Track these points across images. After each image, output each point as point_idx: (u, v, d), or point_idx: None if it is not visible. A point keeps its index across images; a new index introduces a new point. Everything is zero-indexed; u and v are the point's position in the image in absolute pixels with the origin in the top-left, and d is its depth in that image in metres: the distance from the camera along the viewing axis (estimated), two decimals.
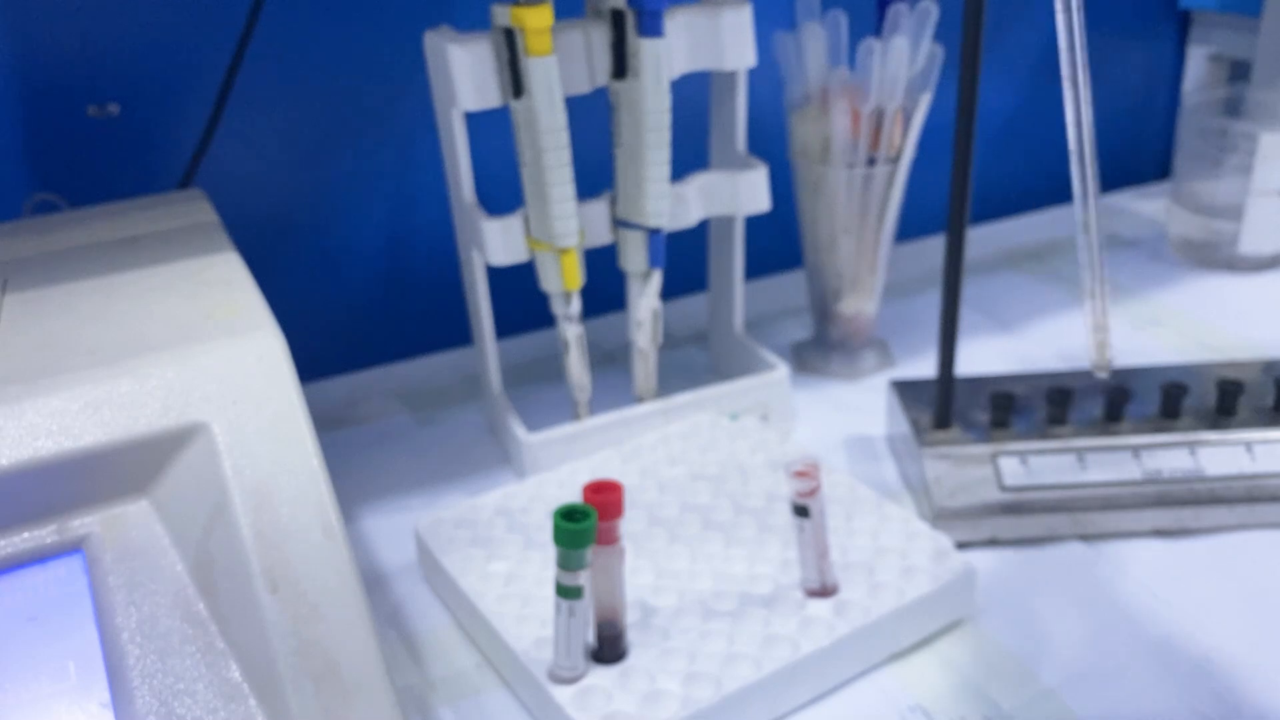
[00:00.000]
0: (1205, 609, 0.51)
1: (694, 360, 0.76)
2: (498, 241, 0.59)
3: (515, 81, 0.55)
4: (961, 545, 0.55)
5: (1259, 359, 0.64)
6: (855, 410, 0.68)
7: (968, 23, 0.51)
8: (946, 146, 0.56)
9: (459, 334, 0.76)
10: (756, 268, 0.71)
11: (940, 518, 0.55)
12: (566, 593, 0.44)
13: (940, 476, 0.57)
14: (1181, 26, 1.05)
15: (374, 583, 0.56)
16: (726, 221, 0.68)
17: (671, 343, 0.77)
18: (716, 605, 0.49)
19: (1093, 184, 0.47)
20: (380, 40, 0.73)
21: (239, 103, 0.67)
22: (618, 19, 0.56)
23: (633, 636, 0.47)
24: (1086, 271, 0.49)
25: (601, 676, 0.45)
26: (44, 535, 0.38)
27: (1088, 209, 0.47)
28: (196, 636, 0.37)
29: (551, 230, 0.58)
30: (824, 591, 0.49)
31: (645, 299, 0.63)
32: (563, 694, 0.45)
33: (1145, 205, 0.97)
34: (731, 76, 0.62)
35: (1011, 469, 0.57)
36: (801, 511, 0.48)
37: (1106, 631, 0.50)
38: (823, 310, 0.73)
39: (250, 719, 0.37)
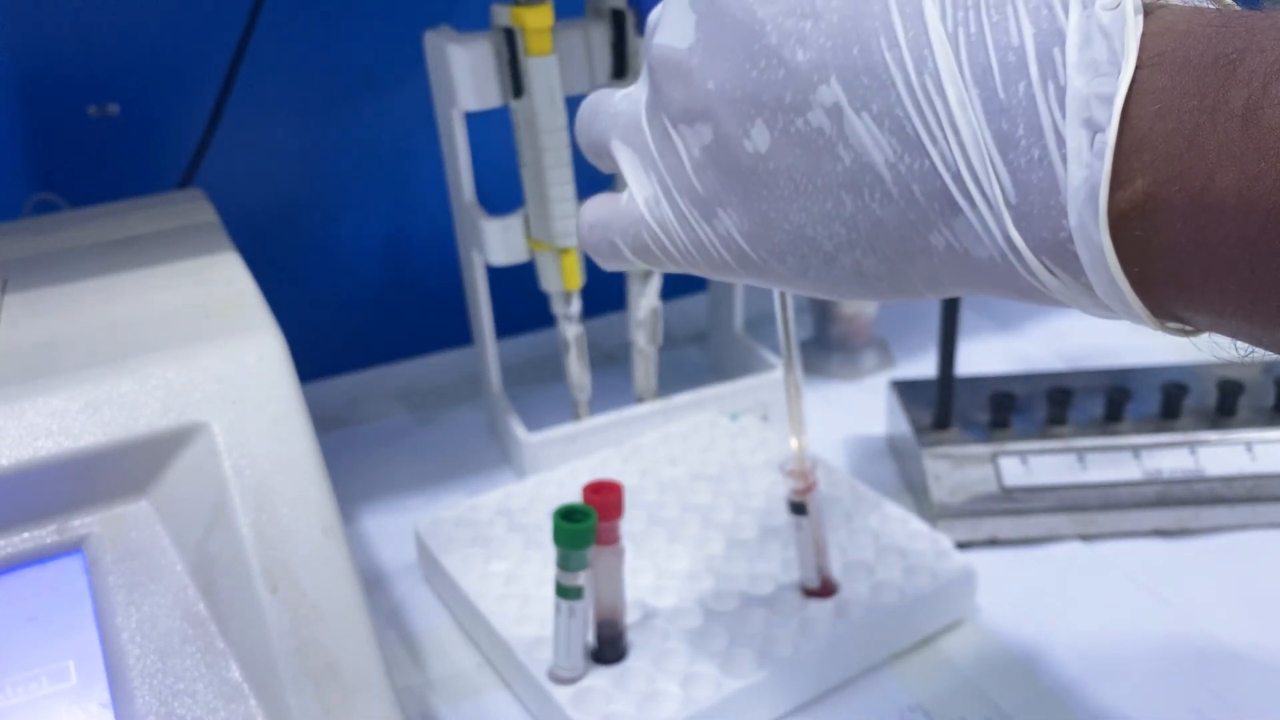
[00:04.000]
0: (1205, 609, 0.51)
1: (694, 360, 0.76)
2: (498, 241, 0.59)
3: (515, 81, 0.55)
4: (961, 545, 0.55)
5: (1259, 359, 0.64)
6: (855, 410, 0.68)
7: None
8: None
9: (459, 334, 0.76)
10: None
11: (940, 518, 0.55)
12: (566, 593, 0.44)
13: (940, 476, 0.57)
14: None
15: (374, 583, 0.56)
16: None
17: (671, 343, 0.77)
18: (716, 605, 0.49)
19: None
20: (380, 40, 0.73)
21: (239, 103, 0.67)
22: (618, 19, 0.56)
23: (633, 636, 0.47)
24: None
25: (601, 677, 0.45)
26: (44, 535, 0.38)
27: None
28: (196, 636, 0.37)
29: (551, 230, 0.58)
30: (824, 591, 0.49)
31: (645, 299, 0.63)
32: (562, 694, 0.45)
33: None
34: None
35: (1011, 469, 0.57)
36: (798, 509, 0.48)
37: (1106, 631, 0.50)
38: (823, 310, 0.73)
39: (250, 719, 0.37)
